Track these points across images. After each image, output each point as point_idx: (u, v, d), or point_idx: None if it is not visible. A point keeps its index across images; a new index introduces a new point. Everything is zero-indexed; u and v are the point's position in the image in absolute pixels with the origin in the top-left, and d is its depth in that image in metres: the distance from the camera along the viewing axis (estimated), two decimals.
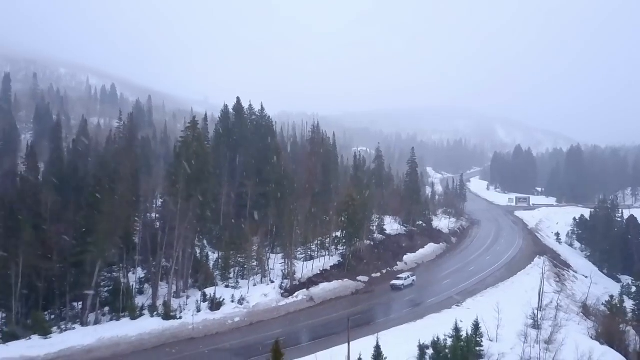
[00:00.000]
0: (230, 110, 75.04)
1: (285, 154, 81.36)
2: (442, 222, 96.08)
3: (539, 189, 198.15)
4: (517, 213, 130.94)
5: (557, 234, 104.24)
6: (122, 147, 69.33)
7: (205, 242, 58.59)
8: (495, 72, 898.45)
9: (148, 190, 64.19)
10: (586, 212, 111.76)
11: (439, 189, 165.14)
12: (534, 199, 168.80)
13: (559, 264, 74.19)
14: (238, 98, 74.80)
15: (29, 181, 56.39)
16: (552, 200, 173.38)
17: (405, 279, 57.65)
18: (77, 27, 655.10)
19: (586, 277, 71.42)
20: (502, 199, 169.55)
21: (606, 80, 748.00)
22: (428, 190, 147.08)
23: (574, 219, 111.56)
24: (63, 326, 41.19)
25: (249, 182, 64.53)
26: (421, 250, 73.31)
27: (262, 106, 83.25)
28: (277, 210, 61.41)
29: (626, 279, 78.71)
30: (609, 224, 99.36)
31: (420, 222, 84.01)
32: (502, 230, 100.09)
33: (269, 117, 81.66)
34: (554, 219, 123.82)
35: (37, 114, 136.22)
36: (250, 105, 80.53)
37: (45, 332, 39.14)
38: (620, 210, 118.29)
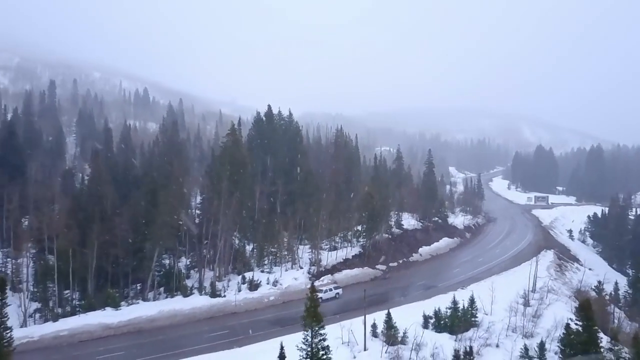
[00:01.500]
0: (262, 117, 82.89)
1: (311, 154, 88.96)
2: (458, 219, 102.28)
3: (560, 188, 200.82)
4: (534, 211, 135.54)
5: (570, 231, 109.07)
6: (168, 149, 77.84)
7: (242, 234, 66.48)
8: (522, 69, 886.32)
9: (189, 188, 72.78)
10: (604, 211, 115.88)
11: (461, 188, 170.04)
12: (554, 198, 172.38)
13: (565, 257, 79.69)
14: (269, 106, 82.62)
15: (94, 180, 64.96)
16: (572, 199, 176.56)
17: (326, 291, 52.73)
18: (95, 31, 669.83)
19: (590, 269, 76.89)
20: (522, 198, 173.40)
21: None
22: (448, 189, 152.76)
23: (588, 216, 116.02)
24: (129, 301, 49.79)
25: (279, 182, 72.32)
26: (435, 244, 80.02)
27: (290, 112, 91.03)
28: (305, 207, 69.09)
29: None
30: (620, 222, 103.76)
31: (436, 219, 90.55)
32: (515, 227, 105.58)
33: (297, 122, 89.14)
34: (570, 217, 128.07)
35: (80, 118, 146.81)
36: (279, 112, 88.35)
37: (116, 305, 47.66)
38: (635, 208, 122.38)
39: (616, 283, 61.86)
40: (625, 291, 60.68)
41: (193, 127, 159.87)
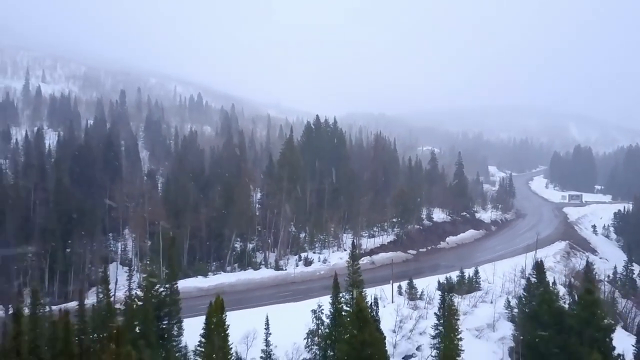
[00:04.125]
0: (312, 125, 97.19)
1: (353, 157, 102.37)
2: (486, 214, 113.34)
3: (598, 187, 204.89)
4: (565, 209, 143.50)
5: (594, 226, 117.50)
6: (233, 153, 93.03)
7: (297, 223, 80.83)
8: (569, 66, 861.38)
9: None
10: (625, 207, 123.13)
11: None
12: (589, 197, 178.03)
13: (578, 248, 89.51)
14: (317, 116, 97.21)
15: (177, 178, 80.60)
16: (607, 198, 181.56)
17: None
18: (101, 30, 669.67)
19: (601, 258, 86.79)
20: (557, 196, 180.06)
21: None
22: (486, 187, 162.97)
23: (614, 213, 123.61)
24: (214, 272, 64.99)
25: (326, 181, 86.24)
26: (462, 234, 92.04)
27: (335, 119, 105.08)
28: (348, 202, 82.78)
29: None
30: None
31: (464, 213, 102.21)
32: (540, 222, 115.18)
33: (340, 129, 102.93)
34: (599, 214, 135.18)
35: (147, 124, 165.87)
36: (325, 120, 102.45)
37: (204, 274, 62.97)
38: None
39: (615, 267, 72.26)
40: (620, 273, 71.05)
41: (245, 130, 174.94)
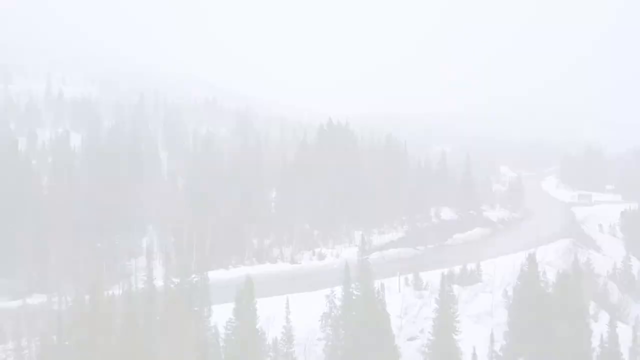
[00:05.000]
0: (324, 127, 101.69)
1: (364, 158, 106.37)
2: (494, 213, 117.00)
3: (610, 187, 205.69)
4: (573, 208, 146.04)
5: (600, 225, 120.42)
6: (250, 153, 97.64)
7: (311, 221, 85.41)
8: (575, 65, 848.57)
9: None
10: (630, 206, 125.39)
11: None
12: (599, 197, 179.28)
13: (581, 245, 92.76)
14: (330, 118, 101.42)
15: (198, 179, 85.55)
16: (618, 197, 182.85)
17: None
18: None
19: (605, 256, 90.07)
20: (567, 196, 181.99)
21: None
22: (496, 187, 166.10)
23: (621, 212, 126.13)
24: (234, 265, 69.85)
25: (338, 180, 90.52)
26: (469, 232, 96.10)
27: (347, 122, 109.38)
28: (359, 201, 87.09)
29: None
30: None
31: (472, 212, 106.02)
32: (547, 221, 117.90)
33: (352, 132, 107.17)
34: (607, 213, 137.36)
35: (165, 125, 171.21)
36: (338, 122, 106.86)
37: (225, 267, 67.84)
38: None
39: (614, 263, 75.93)
40: (619, 269, 74.74)
41: (261, 130, 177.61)
